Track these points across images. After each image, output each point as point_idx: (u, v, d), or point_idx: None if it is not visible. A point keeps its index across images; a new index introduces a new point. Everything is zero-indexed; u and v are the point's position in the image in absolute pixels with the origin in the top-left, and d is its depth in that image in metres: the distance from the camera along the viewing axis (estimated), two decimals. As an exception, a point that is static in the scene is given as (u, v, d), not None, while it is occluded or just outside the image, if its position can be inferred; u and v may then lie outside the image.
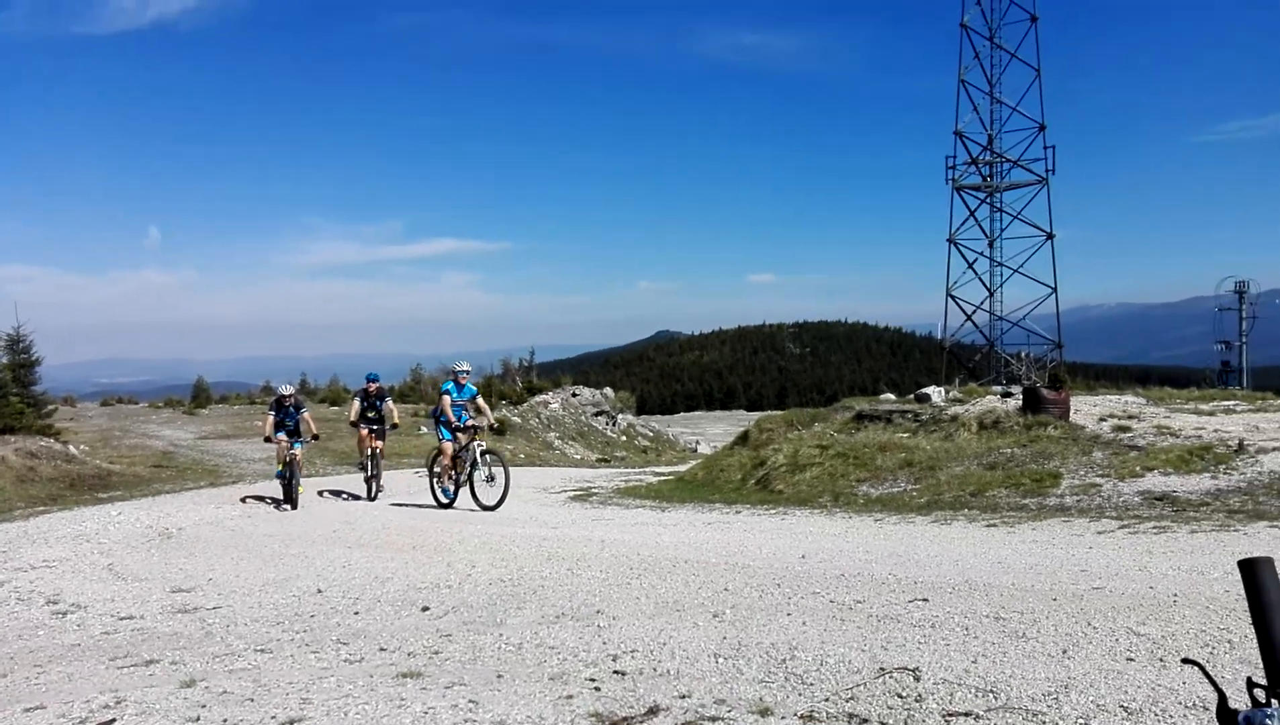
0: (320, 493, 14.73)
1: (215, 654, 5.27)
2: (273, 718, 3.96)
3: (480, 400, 13.60)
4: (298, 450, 14.05)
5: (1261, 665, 1.38)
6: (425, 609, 6.23)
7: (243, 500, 13.81)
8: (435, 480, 13.15)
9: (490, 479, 12.53)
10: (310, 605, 6.54)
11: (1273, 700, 1.32)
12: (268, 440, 14.36)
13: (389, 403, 15.55)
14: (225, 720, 3.96)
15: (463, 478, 12.85)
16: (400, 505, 13.51)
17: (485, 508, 12.26)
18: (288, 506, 13.38)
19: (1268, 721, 1.30)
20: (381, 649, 5.21)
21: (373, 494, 14.64)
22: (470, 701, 4.06)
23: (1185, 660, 1.55)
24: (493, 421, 14.36)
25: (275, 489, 14.10)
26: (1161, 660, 4.18)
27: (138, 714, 4.09)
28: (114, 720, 4.02)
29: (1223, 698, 1.41)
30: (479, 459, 12.68)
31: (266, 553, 9.16)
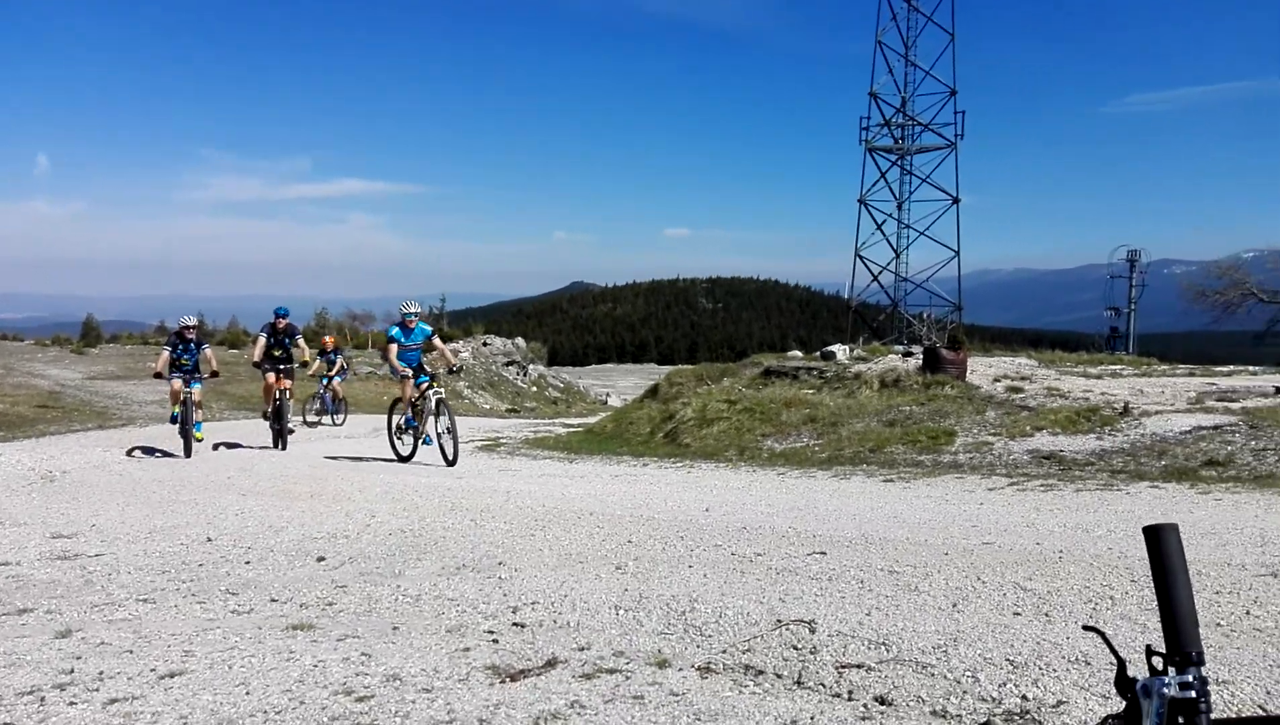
0: (215, 446, 14.02)
1: (95, 603, 5.04)
2: (152, 670, 3.81)
3: (438, 340, 12.47)
4: (195, 390, 12.93)
5: (1157, 630, 1.38)
6: (321, 559, 6.08)
7: (129, 453, 13.18)
8: (395, 430, 12.08)
9: (449, 431, 11.57)
10: (199, 554, 6.32)
11: (1170, 668, 1.32)
12: (158, 376, 13.07)
13: (300, 341, 14.25)
14: (101, 673, 3.79)
15: (422, 429, 11.84)
16: (310, 454, 13.14)
17: (449, 463, 11.46)
18: (182, 456, 12.43)
19: (1165, 690, 1.30)
20: (272, 600, 5.05)
21: (282, 443, 13.59)
22: (363, 654, 3.97)
23: (1086, 627, 1.55)
24: (454, 362, 13.07)
25: (168, 436, 13.46)
26: (1047, 615, 4.32)
27: (6, 666, 3.88)
28: (-20, 673, 3.82)
29: (1122, 665, 1.41)
30: (435, 409, 11.63)
31: (155, 499, 8.83)
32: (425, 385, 11.80)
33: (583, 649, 4.10)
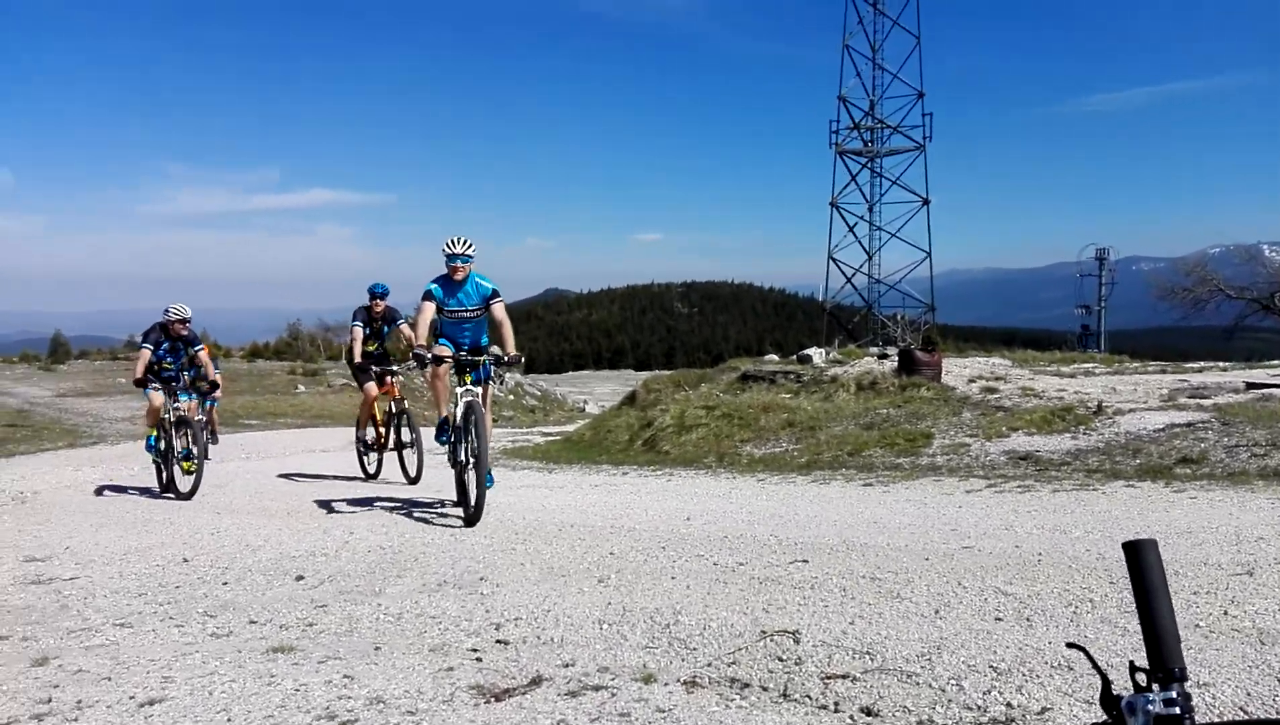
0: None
1: (71, 629, 4.97)
2: (131, 698, 3.75)
3: (499, 308, 7.89)
4: (187, 403, 10.12)
5: (1138, 633, 1.39)
6: (299, 578, 6.01)
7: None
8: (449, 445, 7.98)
9: (474, 457, 7.52)
10: (175, 575, 6.24)
11: (1154, 684, 1.34)
12: (140, 384, 10.07)
13: (404, 326, 10.34)
14: (79, 701, 3.73)
15: (464, 443, 7.67)
16: (282, 470, 13.01)
17: (469, 516, 7.59)
18: (170, 494, 9.87)
19: (1150, 707, 1.31)
20: (251, 622, 4.99)
21: (413, 475, 10.32)
22: (345, 676, 3.93)
23: (1070, 644, 1.56)
24: (511, 350, 8.01)
25: (143, 456, 13.07)
26: (1028, 620, 4.35)
27: (-19, 697, 3.82)
28: (-47, 706, 3.74)
29: (1106, 683, 1.42)
30: (469, 413, 7.62)
31: (129, 519, 8.71)
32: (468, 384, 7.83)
33: (567, 665, 4.08)
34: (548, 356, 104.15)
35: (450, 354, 7.86)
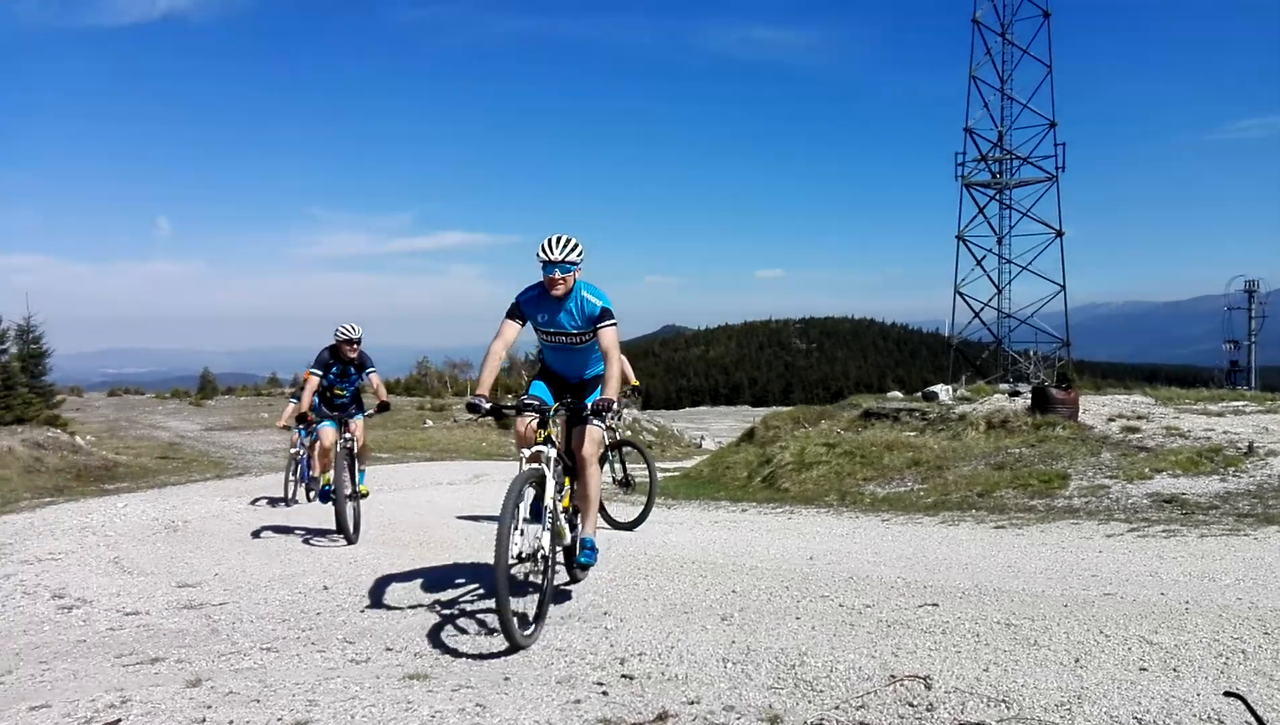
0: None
1: (221, 652, 5.24)
2: (279, 720, 3.93)
3: (608, 334, 5.64)
4: (356, 423, 9.35)
5: None
6: (431, 607, 6.20)
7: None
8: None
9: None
10: (316, 602, 6.52)
11: None
12: (302, 419, 9.29)
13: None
14: (231, 721, 3.93)
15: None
16: (412, 503, 13.44)
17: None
18: (341, 538, 9.01)
19: None
20: (388, 649, 5.18)
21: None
22: (478, 705, 4.03)
23: (1228, 694, 1.52)
24: (612, 391, 5.55)
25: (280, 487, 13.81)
26: (1175, 670, 4.13)
27: (143, 714, 4.06)
28: (119, 720, 4.00)
29: None
30: (528, 484, 5.30)
31: (272, 547, 9.15)
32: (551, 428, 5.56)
33: (692, 703, 4.08)
34: (664, 393, 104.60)
35: (514, 403, 5.70)
